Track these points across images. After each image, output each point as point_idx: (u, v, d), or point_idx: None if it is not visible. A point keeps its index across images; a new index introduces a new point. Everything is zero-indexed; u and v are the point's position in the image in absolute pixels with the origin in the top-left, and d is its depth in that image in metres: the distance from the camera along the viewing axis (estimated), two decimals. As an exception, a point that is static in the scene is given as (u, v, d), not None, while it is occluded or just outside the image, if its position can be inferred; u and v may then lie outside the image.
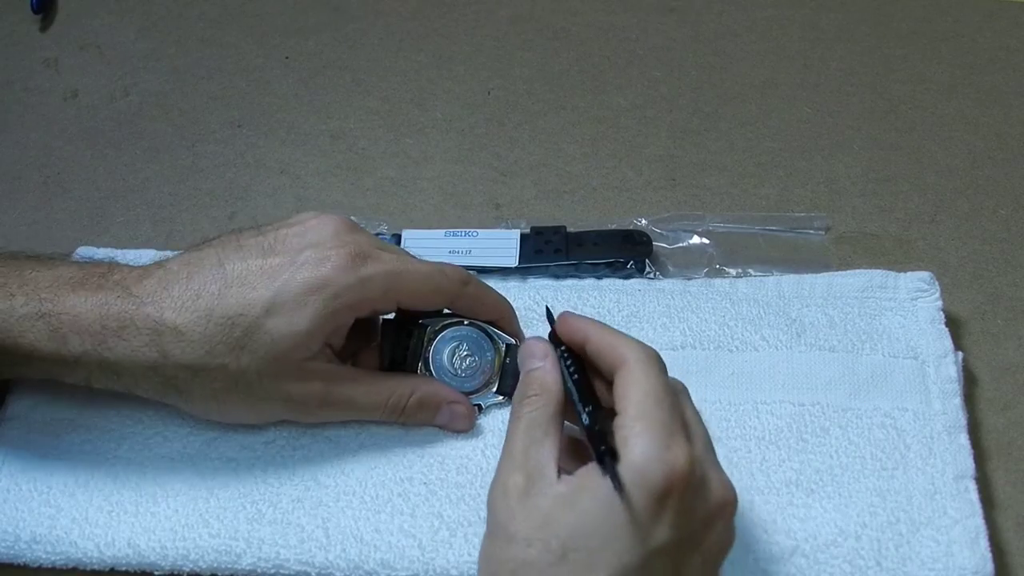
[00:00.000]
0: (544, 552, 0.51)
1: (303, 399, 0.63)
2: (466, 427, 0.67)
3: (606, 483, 0.52)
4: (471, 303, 0.66)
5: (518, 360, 0.62)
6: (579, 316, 0.61)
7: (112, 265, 0.65)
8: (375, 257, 0.63)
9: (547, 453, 0.55)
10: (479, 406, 0.67)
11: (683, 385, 0.59)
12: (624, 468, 0.52)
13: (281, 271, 0.61)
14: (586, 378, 0.59)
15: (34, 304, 0.61)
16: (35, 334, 0.61)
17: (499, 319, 0.67)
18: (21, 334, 0.61)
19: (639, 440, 0.53)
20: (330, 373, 0.64)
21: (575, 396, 0.58)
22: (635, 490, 0.51)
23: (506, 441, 0.57)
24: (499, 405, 0.67)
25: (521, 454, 0.56)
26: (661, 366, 0.57)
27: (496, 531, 0.54)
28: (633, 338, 0.58)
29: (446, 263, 0.66)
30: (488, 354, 0.67)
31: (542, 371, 0.59)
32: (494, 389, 0.67)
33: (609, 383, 0.57)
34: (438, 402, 0.66)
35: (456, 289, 0.65)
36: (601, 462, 0.52)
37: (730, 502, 0.55)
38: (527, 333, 0.69)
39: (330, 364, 0.64)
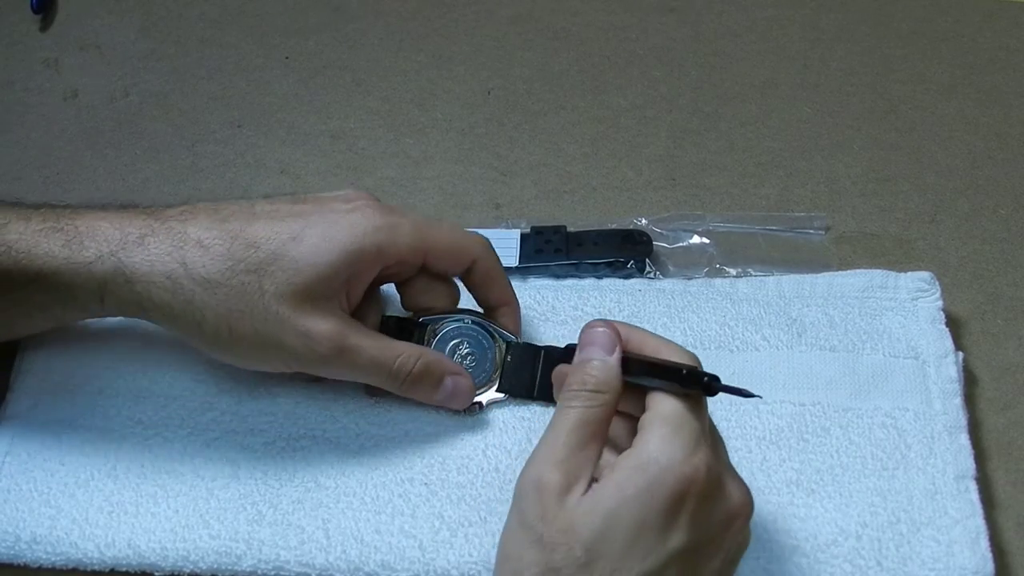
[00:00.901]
0: (568, 558, 0.51)
1: (316, 337, 0.61)
2: (464, 404, 0.66)
3: (629, 484, 0.52)
4: (486, 271, 0.66)
5: (578, 340, 0.60)
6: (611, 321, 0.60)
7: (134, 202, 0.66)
8: (403, 211, 0.64)
9: (591, 456, 0.55)
10: (480, 404, 0.67)
11: None
12: (646, 466, 0.52)
13: (311, 212, 0.62)
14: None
15: (51, 222, 0.62)
16: (50, 244, 0.61)
17: (505, 304, 0.67)
18: (35, 245, 0.61)
19: (666, 444, 0.53)
20: (345, 318, 0.63)
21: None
22: (656, 490, 0.52)
23: (551, 429, 0.56)
24: (500, 403, 0.67)
25: (564, 451, 0.55)
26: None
27: (523, 527, 0.54)
28: (683, 348, 0.58)
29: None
30: (489, 352, 0.67)
31: (607, 367, 0.57)
32: (495, 387, 0.67)
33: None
34: (442, 371, 0.65)
35: (479, 251, 0.66)
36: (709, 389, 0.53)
37: (747, 504, 0.55)
38: (528, 333, 0.69)
39: (344, 314, 0.63)
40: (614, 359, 0.58)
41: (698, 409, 0.55)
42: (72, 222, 0.62)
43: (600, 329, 0.59)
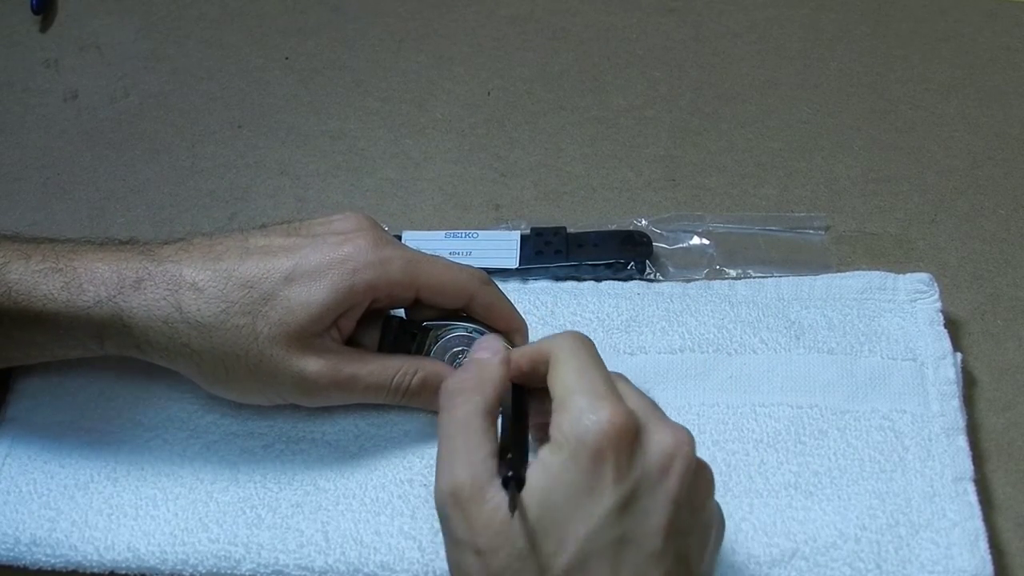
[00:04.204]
0: (511, 555, 0.51)
1: (312, 376, 0.62)
2: None
3: (550, 466, 0.52)
4: (488, 305, 0.66)
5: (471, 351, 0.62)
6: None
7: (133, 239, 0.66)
8: (397, 245, 0.64)
9: (486, 451, 0.54)
10: None
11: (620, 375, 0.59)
12: (560, 445, 0.52)
13: (303, 246, 0.63)
14: (521, 423, 0.58)
15: (51, 262, 0.62)
16: (49, 286, 0.61)
17: (511, 331, 0.67)
18: (35, 287, 0.61)
19: (567, 414, 0.53)
20: (339, 350, 0.64)
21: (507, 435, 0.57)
22: (577, 459, 0.51)
23: (441, 437, 0.56)
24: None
25: (463, 456, 0.54)
26: (587, 348, 0.57)
27: (457, 544, 0.53)
28: (562, 333, 0.59)
29: (466, 265, 0.66)
30: None
31: (484, 362, 0.59)
32: None
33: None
34: (439, 381, 0.64)
35: (475, 287, 0.65)
36: (506, 485, 0.52)
37: (680, 443, 0.53)
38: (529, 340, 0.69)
39: (337, 345, 0.64)
40: (497, 359, 0.59)
41: (590, 370, 0.55)
42: (71, 262, 0.62)
43: (490, 338, 0.62)
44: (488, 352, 0.60)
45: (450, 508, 0.53)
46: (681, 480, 0.53)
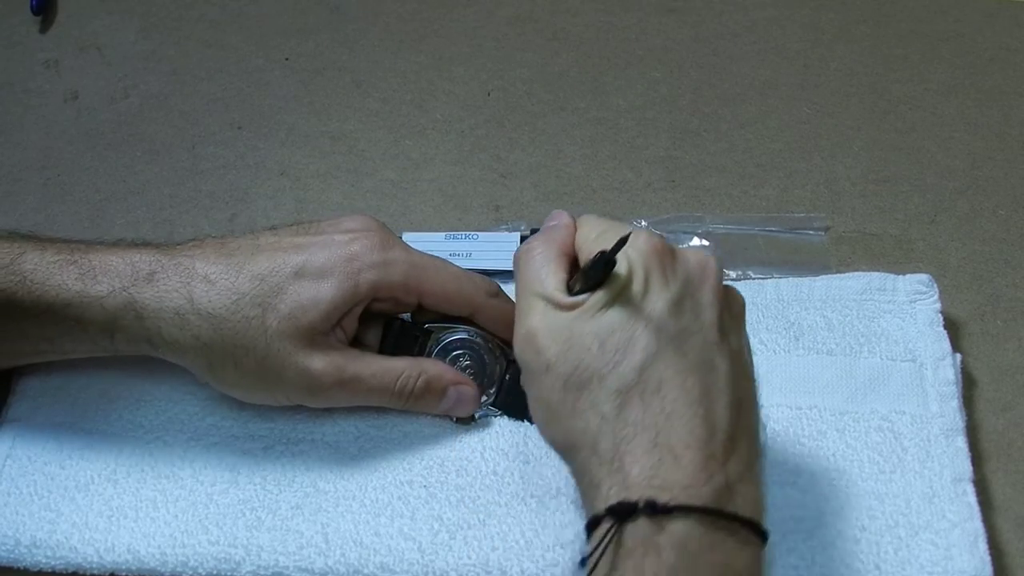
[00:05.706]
0: (583, 354, 0.54)
1: (317, 375, 0.63)
2: (468, 411, 0.67)
3: (608, 291, 0.55)
4: (494, 316, 0.66)
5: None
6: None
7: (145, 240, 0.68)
8: (403, 247, 0.65)
9: (552, 283, 0.57)
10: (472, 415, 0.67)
11: None
12: (614, 277, 0.55)
13: (313, 243, 0.64)
14: None
15: (65, 254, 0.63)
16: (63, 276, 0.62)
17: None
18: (49, 276, 0.62)
19: (600, 243, 0.56)
20: (343, 350, 0.64)
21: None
22: (632, 275, 0.55)
23: (516, 294, 0.59)
24: (495, 415, 0.67)
25: (531, 298, 0.57)
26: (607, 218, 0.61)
27: (533, 375, 0.56)
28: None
29: (476, 274, 0.67)
30: (489, 367, 0.67)
31: (553, 228, 0.61)
32: (490, 403, 0.67)
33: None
34: (444, 384, 0.66)
35: (480, 299, 0.66)
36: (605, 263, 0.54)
37: (710, 255, 0.58)
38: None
39: (343, 345, 0.64)
40: (563, 220, 0.61)
41: (613, 227, 0.59)
42: (85, 255, 0.63)
43: (558, 212, 0.62)
44: (556, 220, 0.61)
45: (525, 351, 0.57)
46: (718, 279, 0.57)
